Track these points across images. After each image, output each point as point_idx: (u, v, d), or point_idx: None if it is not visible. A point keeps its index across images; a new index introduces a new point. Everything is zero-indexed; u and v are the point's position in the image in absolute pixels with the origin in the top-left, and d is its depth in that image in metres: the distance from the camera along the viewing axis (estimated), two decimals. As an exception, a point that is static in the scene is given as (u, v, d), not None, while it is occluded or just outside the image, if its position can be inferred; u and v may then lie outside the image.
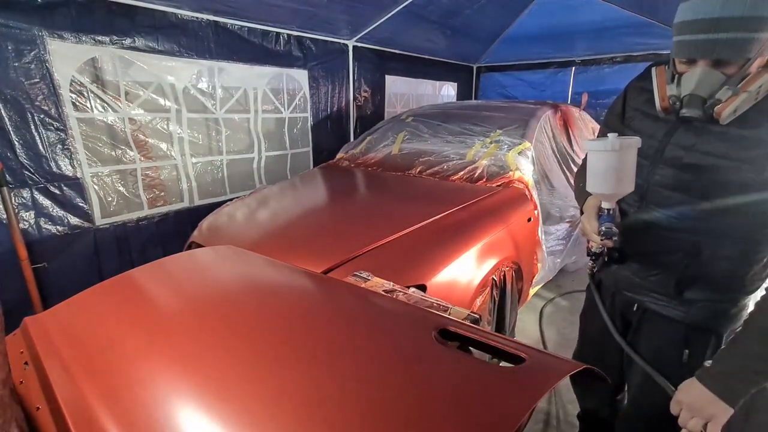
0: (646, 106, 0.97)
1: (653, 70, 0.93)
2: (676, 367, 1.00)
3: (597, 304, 1.14)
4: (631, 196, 0.99)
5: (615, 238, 0.97)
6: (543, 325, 2.53)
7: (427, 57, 4.86)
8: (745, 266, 0.90)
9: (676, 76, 0.86)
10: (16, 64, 2.02)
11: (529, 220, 2.15)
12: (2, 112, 2.01)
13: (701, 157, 0.86)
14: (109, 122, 2.46)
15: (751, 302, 0.94)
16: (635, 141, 0.89)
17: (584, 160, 1.18)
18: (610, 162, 0.90)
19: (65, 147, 2.25)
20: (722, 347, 0.86)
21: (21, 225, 2.12)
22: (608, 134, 0.89)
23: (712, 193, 0.86)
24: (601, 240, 0.98)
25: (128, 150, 2.56)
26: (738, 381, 0.76)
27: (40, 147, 2.16)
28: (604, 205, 0.98)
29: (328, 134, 3.90)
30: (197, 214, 2.78)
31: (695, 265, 0.93)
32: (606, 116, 1.16)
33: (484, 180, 2.29)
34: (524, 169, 2.26)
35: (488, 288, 1.79)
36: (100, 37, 2.29)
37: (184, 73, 2.74)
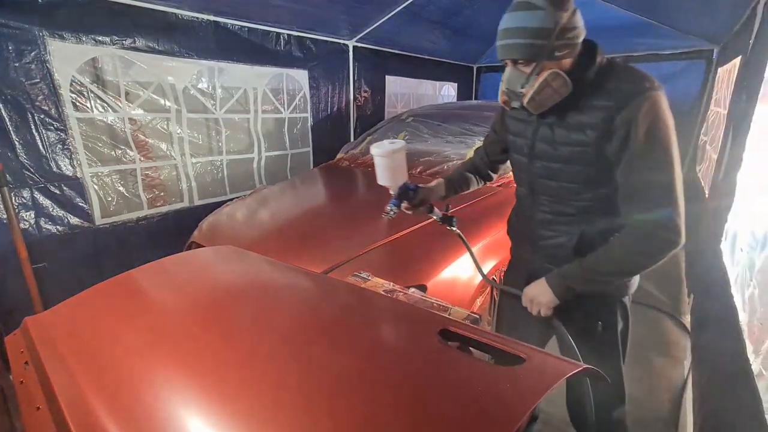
0: (516, 112, 1.14)
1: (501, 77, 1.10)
2: (595, 338, 1.16)
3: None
4: (522, 188, 1.22)
5: (390, 215, 1.27)
6: (543, 325, 2.52)
7: (427, 57, 4.86)
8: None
9: None
10: (17, 64, 2.02)
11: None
12: (2, 112, 2.01)
13: (558, 147, 1.04)
14: (109, 122, 2.46)
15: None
16: (399, 146, 1.18)
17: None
18: (382, 162, 1.20)
19: (65, 147, 2.25)
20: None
21: (21, 225, 2.12)
22: (383, 141, 1.20)
23: (578, 176, 1.03)
24: (384, 215, 1.27)
25: (128, 150, 2.56)
26: (569, 281, 1.05)
27: (41, 147, 2.16)
28: (391, 191, 1.26)
29: (328, 134, 3.90)
30: (197, 214, 2.78)
31: (587, 243, 1.07)
32: (492, 122, 1.38)
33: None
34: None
35: (488, 288, 1.79)
36: (100, 37, 2.29)
37: (184, 73, 2.74)
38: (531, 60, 0.94)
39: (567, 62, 0.96)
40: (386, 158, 1.19)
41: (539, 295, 1.10)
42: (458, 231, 1.36)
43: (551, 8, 0.89)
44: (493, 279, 1.30)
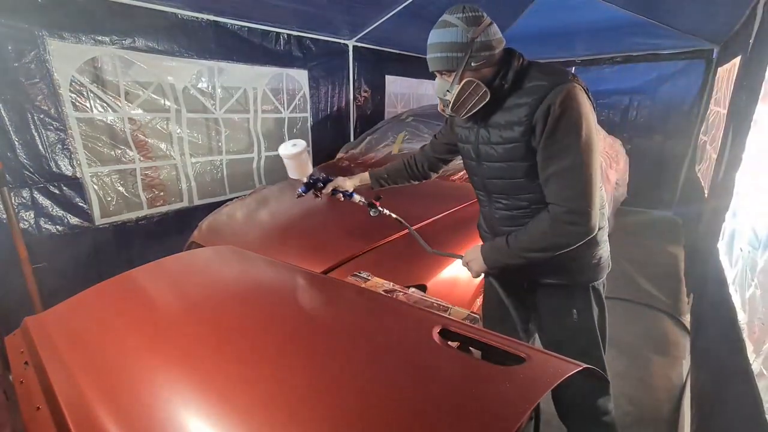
0: (461, 121, 1.21)
1: None
2: (571, 327, 1.22)
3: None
4: (479, 191, 1.30)
5: (298, 197, 1.54)
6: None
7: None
8: None
9: None
10: (16, 64, 2.02)
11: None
12: (2, 112, 2.01)
13: (495, 147, 1.12)
14: (109, 122, 2.45)
15: (602, 249, 1.21)
16: (299, 150, 1.43)
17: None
18: (287, 162, 1.47)
19: (65, 147, 2.25)
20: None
21: (21, 225, 2.11)
22: (287, 144, 1.46)
23: (516, 171, 1.11)
24: (297, 196, 1.54)
25: (128, 150, 2.55)
26: (497, 254, 1.16)
27: (40, 147, 2.16)
28: (302, 180, 1.51)
29: (328, 134, 3.90)
30: (197, 214, 2.78)
31: None
32: (441, 127, 1.49)
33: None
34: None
35: (488, 288, 1.79)
36: (100, 37, 2.29)
37: (184, 73, 2.74)
38: (450, 71, 1.05)
39: (487, 71, 1.06)
40: (289, 159, 1.46)
41: (472, 261, 1.22)
42: (387, 212, 1.53)
43: (464, 26, 1.00)
44: (435, 250, 1.43)
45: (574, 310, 1.22)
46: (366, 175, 1.56)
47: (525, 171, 1.09)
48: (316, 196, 1.54)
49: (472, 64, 1.03)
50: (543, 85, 1.00)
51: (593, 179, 1.00)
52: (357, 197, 1.54)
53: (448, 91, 1.08)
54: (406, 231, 1.75)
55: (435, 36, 1.06)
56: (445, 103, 1.12)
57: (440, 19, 1.05)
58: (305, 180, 1.51)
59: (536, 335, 1.42)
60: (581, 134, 0.98)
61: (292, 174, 1.51)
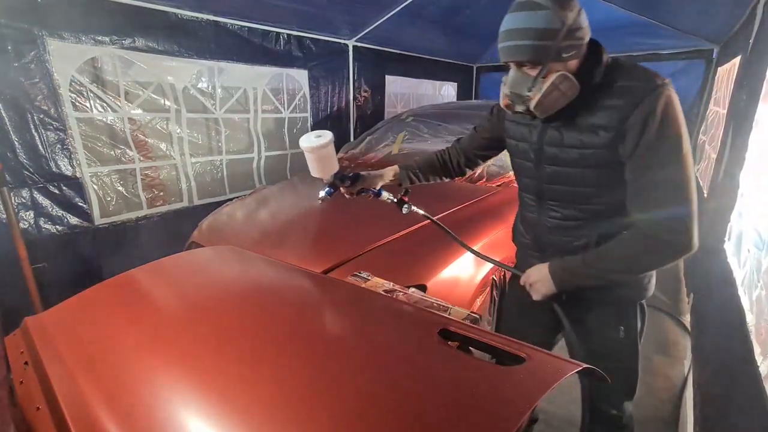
0: (517, 116, 1.09)
1: (502, 80, 1.05)
2: (617, 344, 1.13)
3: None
4: (528, 194, 1.18)
5: (322, 198, 1.32)
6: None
7: (427, 57, 4.86)
8: None
9: None
10: (16, 64, 2.02)
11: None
12: (2, 112, 2.01)
13: (567, 151, 1.00)
14: (109, 122, 2.45)
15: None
16: (325, 141, 1.18)
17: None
18: (310, 157, 1.22)
19: (65, 147, 2.25)
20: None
21: (21, 225, 2.11)
22: (310, 134, 1.20)
23: (589, 179, 1.00)
24: (320, 199, 1.32)
25: (128, 150, 2.55)
26: (570, 275, 1.03)
27: (40, 147, 2.16)
28: (324, 180, 1.30)
29: (328, 134, 3.89)
30: (197, 214, 2.77)
31: (599, 244, 1.04)
32: (483, 120, 1.33)
33: (484, 180, 2.29)
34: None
35: (488, 288, 1.79)
36: (100, 37, 2.29)
37: (184, 73, 2.74)
38: (538, 62, 0.91)
39: (573, 63, 0.93)
40: (313, 153, 1.21)
41: (538, 282, 1.08)
42: (422, 212, 1.36)
43: (557, 8, 0.86)
44: (496, 260, 1.28)
45: (622, 327, 1.13)
46: (391, 170, 1.39)
47: (598, 180, 0.98)
48: (347, 194, 1.36)
49: (563, 55, 0.90)
50: (638, 87, 0.89)
51: (694, 192, 0.89)
52: (385, 194, 1.37)
53: (531, 86, 0.93)
54: (406, 231, 1.75)
55: (518, 20, 0.89)
56: (518, 99, 0.97)
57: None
58: (330, 179, 1.29)
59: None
60: (682, 144, 0.88)
61: (315, 171, 1.28)
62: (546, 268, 1.07)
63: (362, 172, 1.35)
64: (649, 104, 0.87)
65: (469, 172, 1.43)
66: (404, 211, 1.36)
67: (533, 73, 0.93)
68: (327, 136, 1.22)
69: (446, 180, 1.45)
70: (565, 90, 0.92)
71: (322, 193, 1.32)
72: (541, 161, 1.07)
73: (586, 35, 0.93)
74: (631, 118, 0.89)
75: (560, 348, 1.27)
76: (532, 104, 0.94)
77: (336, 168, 1.28)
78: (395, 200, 1.37)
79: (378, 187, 1.37)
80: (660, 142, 0.88)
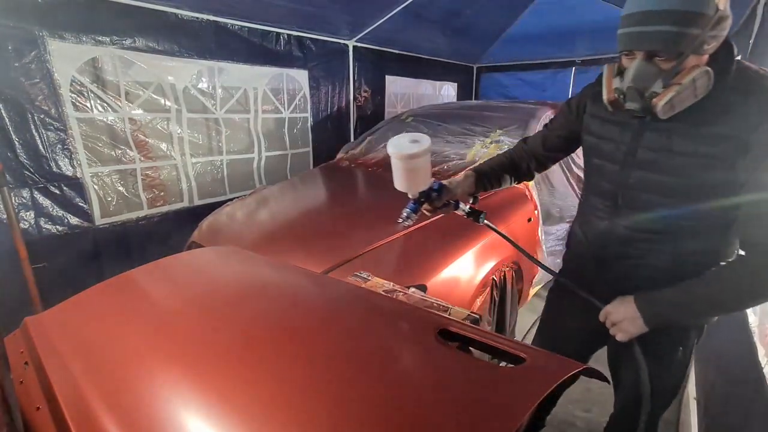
0: (606, 112, 0.96)
1: (604, 67, 0.93)
2: (673, 362, 1.03)
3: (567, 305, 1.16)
4: (601, 199, 1.04)
5: (408, 222, 1.09)
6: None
7: (427, 57, 4.86)
8: (718, 261, 0.92)
9: (623, 70, 0.88)
10: (17, 64, 2.02)
11: (530, 220, 2.15)
12: (2, 112, 2.01)
13: (672, 157, 0.88)
14: (109, 122, 2.45)
15: None
16: (423, 147, 0.98)
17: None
18: (400, 165, 1.01)
19: (65, 147, 2.25)
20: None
21: (21, 225, 2.11)
22: (402, 137, 1.01)
23: (687, 192, 0.88)
24: (400, 221, 1.09)
25: (128, 150, 2.56)
26: (667, 309, 0.89)
27: (40, 147, 2.16)
28: (409, 195, 1.09)
29: (328, 134, 3.90)
30: (197, 214, 2.77)
31: (678, 265, 0.94)
32: (557, 116, 1.18)
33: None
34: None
35: (488, 288, 1.79)
36: (100, 37, 2.29)
37: (184, 73, 2.74)
38: (678, 53, 0.77)
39: (706, 58, 0.80)
40: (404, 162, 0.99)
41: (625, 321, 0.92)
42: (488, 223, 1.18)
43: None
44: (563, 278, 1.14)
45: (681, 348, 1.03)
46: (467, 177, 1.20)
47: (703, 193, 0.86)
48: (427, 211, 1.13)
49: (705, 47, 0.77)
50: None
51: None
52: (462, 206, 1.18)
53: (668, 80, 0.79)
54: (406, 231, 1.75)
55: (653, 1, 0.75)
56: (636, 95, 0.83)
57: None
58: (417, 196, 1.07)
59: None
60: None
61: (403, 185, 1.05)
62: (632, 304, 0.92)
63: (443, 182, 1.14)
64: None
65: (537, 176, 1.28)
66: (481, 222, 1.17)
67: (667, 66, 0.79)
68: (425, 142, 1.00)
69: (515, 185, 1.31)
70: (699, 88, 0.78)
71: (406, 212, 1.07)
72: (630, 165, 0.95)
73: (729, 27, 0.79)
74: (759, 130, 0.77)
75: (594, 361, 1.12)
76: (661, 102, 0.79)
77: (429, 182, 1.06)
78: (468, 211, 1.17)
79: (458, 198, 1.18)
80: None
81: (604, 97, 0.90)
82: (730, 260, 0.89)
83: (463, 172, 1.21)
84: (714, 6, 0.73)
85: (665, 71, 0.80)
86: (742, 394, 1.13)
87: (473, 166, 1.27)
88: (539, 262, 1.16)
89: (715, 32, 0.76)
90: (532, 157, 1.23)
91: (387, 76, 4.48)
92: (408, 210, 1.08)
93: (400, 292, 1.09)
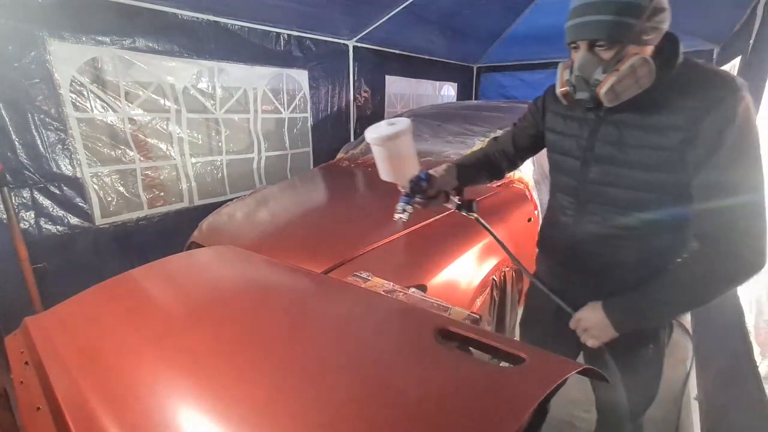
0: (566, 109, 1.00)
1: (559, 65, 0.96)
2: (646, 360, 1.05)
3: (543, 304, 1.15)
4: (567, 196, 1.05)
5: (404, 217, 1.03)
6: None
7: (427, 57, 4.86)
8: (682, 251, 0.94)
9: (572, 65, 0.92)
10: (17, 64, 2.02)
11: (530, 220, 2.14)
12: (3, 112, 2.01)
13: (626, 150, 0.90)
14: (109, 122, 2.45)
15: None
16: (401, 128, 0.95)
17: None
18: (379, 151, 0.97)
19: (65, 147, 2.25)
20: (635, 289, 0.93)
21: (21, 225, 2.11)
22: (380, 123, 0.99)
23: (645, 185, 0.90)
24: (396, 217, 1.06)
25: (128, 150, 2.55)
26: (631, 314, 0.91)
27: (41, 147, 2.16)
28: (400, 187, 1.04)
29: (328, 134, 3.90)
30: (197, 214, 2.77)
31: (646, 261, 0.95)
32: (525, 115, 1.20)
33: (484, 180, 2.28)
34: (524, 170, 2.26)
35: (488, 288, 1.79)
36: (100, 38, 2.29)
37: (184, 73, 2.74)
38: (617, 41, 0.81)
39: (649, 50, 0.84)
40: (384, 147, 0.94)
41: (594, 328, 0.95)
42: (477, 216, 1.15)
43: None
44: (538, 278, 1.13)
45: (652, 345, 1.05)
46: (449, 167, 1.17)
47: (656, 184, 0.88)
48: (419, 204, 1.08)
49: (644, 37, 0.81)
50: (717, 90, 0.80)
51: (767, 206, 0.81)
52: (453, 198, 1.16)
53: (607, 68, 0.83)
54: (406, 231, 1.75)
55: None
56: (586, 83, 0.86)
57: None
58: (409, 183, 1.02)
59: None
60: (760, 156, 0.80)
61: (388, 173, 1.01)
62: (600, 311, 0.94)
63: (430, 171, 1.10)
64: (728, 110, 0.79)
65: (507, 175, 1.28)
66: (474, 210, 1.14)
67: (607, 55, 0.83)
68: (402, 123, 0.95)
69: (487, 183, 1.31)
70: (641, 77, 0.81)
71: (401, 207, 1.01)
72: (590, 159, 0.97)
73: (668, 20, 0.84)
74: (705, 121, 0.80)
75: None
76: (603, 89, 0.83)
77: (417, 168, 1.00)
78: (458, 203, 1.14)
79: (446, 190, 1.15)
80: (738, 154, 0.79)
81: (558, 90, 0.94)
82: (685, 257, 0.91)
83: (443, 165, 1.17)
84: None
85: (607, 60, 0.83)
86: (741, 393, 1.13)
87: (454, 160, 1.25)
88: (518, 260, 1.15)
89: (653, 23, 0.81)
90: (503, 155, 1.24)
91: (387, 77, 4.48)
92: (402, 203, 1.04)
93: (400, 292, 1.09)
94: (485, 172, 1.25)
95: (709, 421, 1.42)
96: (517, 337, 1.50)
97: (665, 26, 0.84)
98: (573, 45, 0.89)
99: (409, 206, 1.04)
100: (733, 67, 2.78)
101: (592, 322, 0.95)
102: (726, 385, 1.29)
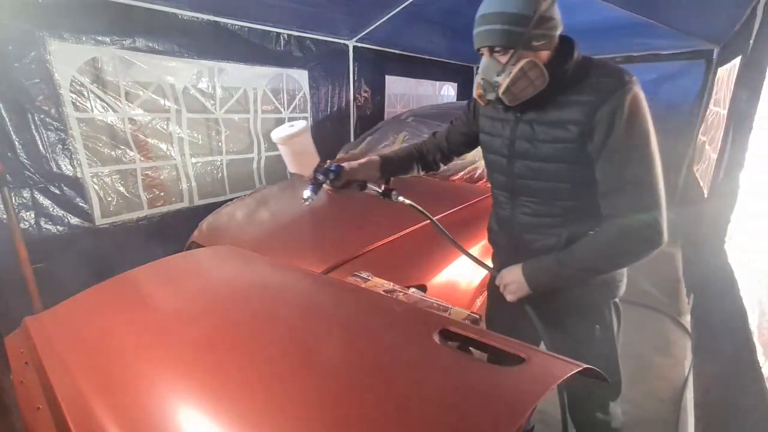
0: (493, 111, 1.11)
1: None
2: (594, 342, 1.13)
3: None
4: (501, 191, 1.17)
5: (308, 202, 1.18)
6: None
7: (427, 57, 4.86)
8: None
9: None
10: (17, 64, 2.02)
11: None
12: (3, 112, 2.01)
13: (538, 145, 1.01)
14: (109, 122, 2.46)
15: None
16: (297, 130, 1.14)
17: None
18: (284, 149, 1.17)
19: (65, 147, 2.25)
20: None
21: (21, 225, 2.12)
22: (282, 126, 1.17)
23: (561, 176, 1.00)
24: (301, 201, 1.19)
25: (128, 150, 2.56)
26: (545, 275, 1.03)
27: (41, 147, 2.16)
28: (306, 176, 1.20)
29: (328, 134, 3.89)
30: (197, 214, 2.77)
31: (574, 242, 1.02)
32: (460, 115, 1.31)
33: (485, 180, 2.29)
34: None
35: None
36: (100, 37, 2.29)
37: (184, 73, 2.74)
38: (508, 47, 0.92)
39: (544, 54, 0.95)
40: (286, 145, 1.14)
41: (512, 284, 1.08)
42: (408, 201, 1.27)
43: None
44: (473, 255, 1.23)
45: (597, 326, 1.13)
46: (373, 162, 1.29)
47: (569, 175, 0.99)
48: (331, 191, 1.27)
49: (533, 43, 0.91)
50: (606, 83, 0.91)
51: (662, 189, 0.91)
52: (371, 186, 1.29)
53: (501, 72, 0.93)
54: (406, 231, 1.75)
55: (492, 4, 0.91)
56: (491, 86, 0.97)
57: None
58: (311, 175, 1.20)
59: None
60: (650, 141, 0.90)
61: (293, 166, 1.21)
62: (519, 269, 1.06)
63: (344, 164, 1.25)
64: (617, 100, 0.89)
65: (443, 167, 1.43)
66: (393, 199, 1.28)
67: (504, 59, 0.93)
68: (300, 124, 1.17)
69: (422, 174, 1.42)
70: (534, 78, 0.92)
71: (306, 193, 1.19)
72: (514, 156, 1.07)
73: (558, 27, 0.94)
74: (598, 113, 0.90)
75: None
76: (501, 90, 0.94)
77: (316, 161, 1.20)
78: (380, 191, 1.29)
79: (362, 180, 1.28)
80: (628, 141, 0.90)
81: (474, 93, 1.04)
82: (595, 229, 1.00)
83: (366, 158, 1.30)
84: (533, 8, 0.88)
85: (504, 64, 0.94)
86: (741, 394, 1.13)
87: (380, 153, 1.36)
88: (453, 239, 1.25)
89: (541, 31, 0.90)
90: (438, 150, 1.37)
91: (387, 76, 4.48)
92: (307, 191, 1.19)
93: (400, 292, 1.09)
94: (417, 163, 1.37)
95: (710, 421, 1.42)
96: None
97: (556, 33, 0.94)
98: (480, 51, 0.98)
99: (314, 194, 1.20)
100: (733, 67, 2.78)
101: (511, 279, 1.08)
102: (728, 386, 1.29)
